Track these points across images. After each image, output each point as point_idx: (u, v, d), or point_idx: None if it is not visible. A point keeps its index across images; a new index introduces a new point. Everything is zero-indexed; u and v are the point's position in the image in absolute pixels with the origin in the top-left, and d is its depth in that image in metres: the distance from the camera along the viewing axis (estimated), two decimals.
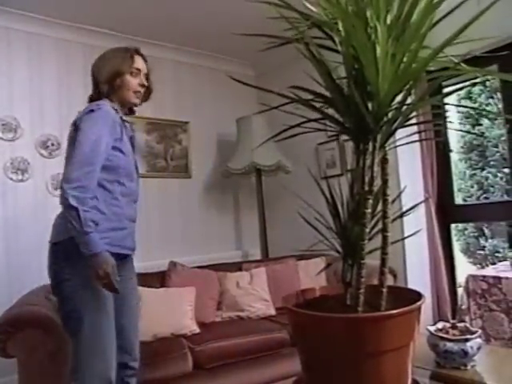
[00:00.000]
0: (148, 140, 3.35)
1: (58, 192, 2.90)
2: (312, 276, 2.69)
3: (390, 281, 2.51)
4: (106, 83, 1.55)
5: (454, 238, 5.16)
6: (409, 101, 0.75)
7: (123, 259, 1.52)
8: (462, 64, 0.75)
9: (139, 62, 1.68)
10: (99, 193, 1.43)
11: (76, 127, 1.47)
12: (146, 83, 1.68)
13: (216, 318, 2.48)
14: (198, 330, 2.24)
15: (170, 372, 1.92)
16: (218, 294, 2.57)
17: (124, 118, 1.63)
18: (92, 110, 1.45)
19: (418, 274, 2.89)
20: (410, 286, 2.82)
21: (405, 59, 0.70)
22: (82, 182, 1.34)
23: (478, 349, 1.21)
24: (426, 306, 2.86)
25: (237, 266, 2.82)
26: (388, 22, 0.73)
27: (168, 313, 2.26)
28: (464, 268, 4.45)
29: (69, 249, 1.37)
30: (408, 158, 2.92)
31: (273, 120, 3.10)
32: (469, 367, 1.22)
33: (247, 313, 2.46)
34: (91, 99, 1.60)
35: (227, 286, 2.57)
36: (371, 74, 0.66)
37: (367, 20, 0.73)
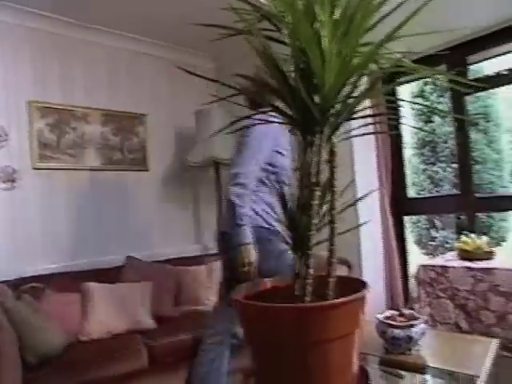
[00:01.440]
0: (103, 132, 3.24)
1: (6, 185, 2.75)
2: None
3: (344, 271, 2.58)
4: None
5: (409, 230, 5.38)
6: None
7: None
8: (405, 60, 0.78)
9: None
10: None
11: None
12: None
13: (174, 313, 2.45)
14: (154, 326, 2.22)
15: (126, 368, 1.89)
16: (175, 288, 2.55)
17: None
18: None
19: (372, 265, 2.99)
20: (365, 276, 2.92)
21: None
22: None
23: (423, 334, 1.27)
24: (379, 295, 2.97)
25: (195, 260, 2.81)
26: (337, 17, 0.75)
27: (123, 309, 2.22)
28: (418, 258, 4.66)
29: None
30: (363, 151, 3.00)
31: (232, 113, 3.09)
32: (413, 351, 1.28)
33: (205, 306, 2.45)
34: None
35: (185, 280, 2.56)
36: (317, 66, 0.67)
37: (315, 14, 0.74)
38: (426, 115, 5.19)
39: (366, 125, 0.99)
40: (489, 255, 2.37)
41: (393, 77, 0.82)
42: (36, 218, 2.84)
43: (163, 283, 2.50)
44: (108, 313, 2.17)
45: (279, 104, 0.75)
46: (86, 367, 1.81)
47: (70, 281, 2.43)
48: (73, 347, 2.05)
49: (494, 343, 1.38)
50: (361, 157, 2.97)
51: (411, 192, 5.03)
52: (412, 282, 2.91)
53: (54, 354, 1.89)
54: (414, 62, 0.80)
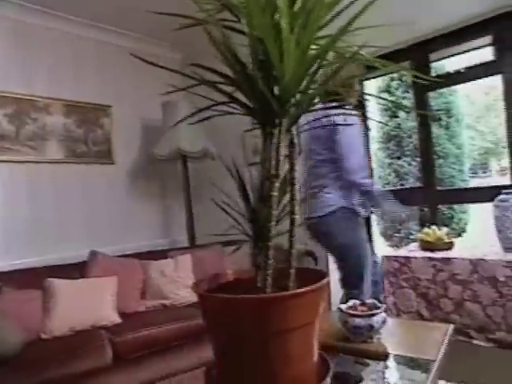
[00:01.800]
0: (66, 123, 3.14)
1: None
2: (238, 262, 2.72)
3: (310, 263, 2.61)
4: None
5: (375, 223, 5.51)
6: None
7: None
8: (364, 53, 0.79)
9: None
10: None
11: None
12: None
13: (140, 308, 2.42)
14: (119, 321, 2.18)
15: (89, 365, 1.84)
16: (141, 282, 2.51)
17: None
18: None
19: None
20: (331, 268, 2.96)
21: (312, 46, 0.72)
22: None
23: (383, 322, 1.31)
24: None
25: (162, 254, 2.77)
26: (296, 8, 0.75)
27: (87, 304, 2.17)
28: (383, 250, 4.79)
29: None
30: None
31: (199, 105, 3.05)
32: (375, 340, 1.31)
33: (172, 300, 2.43)
34: None
35: (151, 274, 2.52)
36: (275, 57, 0.66)
37: (276, 5, 0.74)
38: (392, 110, 5.32)
39: (329, 116, 1.00)
40: (448, 246, 2.47)
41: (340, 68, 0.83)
42: None
43: (129, 277, 2.46)
44: (71, 309, 2.11)
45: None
46: (46, 366, 1.75)
47: (32, 277, 2.34)
48: (33, 345, 1.98)
49: (450, 329, 1.44)
50: None
51: (378, 186, 5.14)
52: None
53: (12, 354, 1.82)
54: (379, 57, 0.81)
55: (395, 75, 5.12)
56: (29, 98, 2.91)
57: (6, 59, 2.84)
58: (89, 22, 3.19)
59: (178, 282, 2.49)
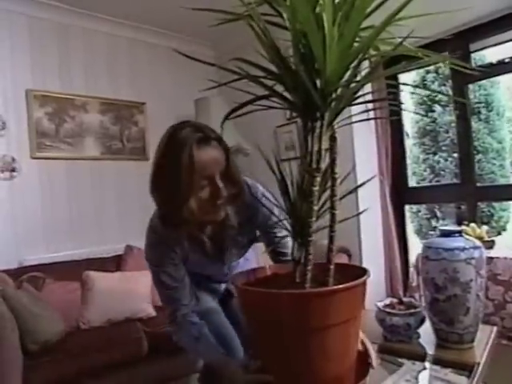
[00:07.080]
0: (103, 121, 3.23)
1: (5, 175, 2.73)
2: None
3: (344, 259, 2.58)
4: None
5: (409, 220, 5.37)
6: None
7: None
8: (407, 45, 0.77)
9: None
10: None
11: None
12: None
13: None
14: (154, 314, 2.22)
15: (125, 356, 1.90)
16: None
17: None
18: None
19: (372, 254, 2.99)
20: (365, 264, 2.91)
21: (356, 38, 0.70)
22: None
23: (422, 322, 1.27)
24: (380, 283, 2.97)
25: None
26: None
27: (123, 297, 2.23)
28: (418, 248, 4.65)
29: None
30: (364, 138, 2.98)
31: (232, 101, 3.06)
32: (413, 339, 1.28)
33: None
34: None
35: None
36: (318, 50, 0.65)
37: None
38: (427, 104, 5.16)
39: (367, 111, 0.98)
40: (489, 244, 2.37)
41: (396, 63, 0.81)
42: (36, 208, 2.83)
43: None
44: (108, 301, 2.18)
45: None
46: (86, 354, 1.82)
47: (71, 270, 2.43)
48: (73, 335, 2.06)
49: (494, 331, 1.38)
50: (362, 144, 2.94)
51: (412, 182, 5.02)
52: (412, 271, 2.92)
53: (55, 342, 1.90)
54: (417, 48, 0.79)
55: (431, 68, 4.96)
56: (67, 96, 3.01)
57: (45, 60, 2.95)
58: (123, 21, 3.26)
59: None
